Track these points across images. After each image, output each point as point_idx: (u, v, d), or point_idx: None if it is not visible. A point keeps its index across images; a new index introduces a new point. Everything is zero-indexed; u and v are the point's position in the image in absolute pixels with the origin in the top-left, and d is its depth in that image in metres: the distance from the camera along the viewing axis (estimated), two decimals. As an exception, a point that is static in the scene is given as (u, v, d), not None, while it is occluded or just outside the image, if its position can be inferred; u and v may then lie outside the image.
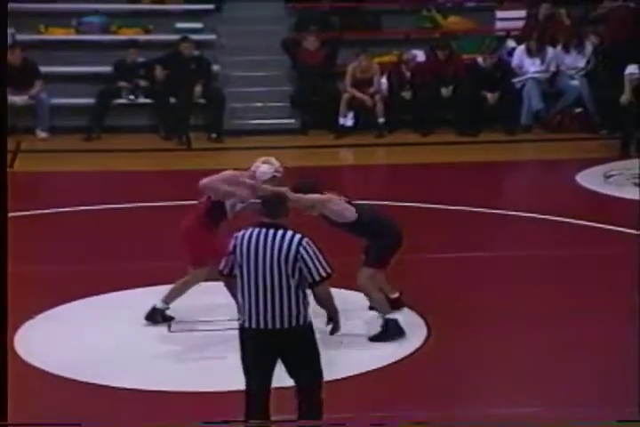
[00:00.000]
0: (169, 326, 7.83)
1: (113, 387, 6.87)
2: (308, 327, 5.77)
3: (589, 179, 11.80)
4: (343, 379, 6.81)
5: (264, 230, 5.75)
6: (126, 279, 8.67)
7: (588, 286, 8.55)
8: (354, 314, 7.70)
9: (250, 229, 5.80)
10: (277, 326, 5.69)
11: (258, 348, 5.77)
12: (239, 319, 5.82)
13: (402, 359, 7.29)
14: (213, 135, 13.93)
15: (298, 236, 5.74)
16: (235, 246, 5.78)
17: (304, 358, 5.78)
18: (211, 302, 7.93)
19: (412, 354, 7.38)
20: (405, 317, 7.95)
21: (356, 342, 7.48)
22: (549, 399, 6.69)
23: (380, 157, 13.87)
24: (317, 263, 5.69)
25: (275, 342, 5.73)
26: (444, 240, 9.84)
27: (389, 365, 7.19)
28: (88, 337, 7.68)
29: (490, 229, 10.41)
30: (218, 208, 7.66)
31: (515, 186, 12.59)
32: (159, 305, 7.79)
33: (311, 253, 5.69)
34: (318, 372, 5.83)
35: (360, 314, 7.84)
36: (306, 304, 5.76)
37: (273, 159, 7.76)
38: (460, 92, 14.09)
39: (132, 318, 7.92)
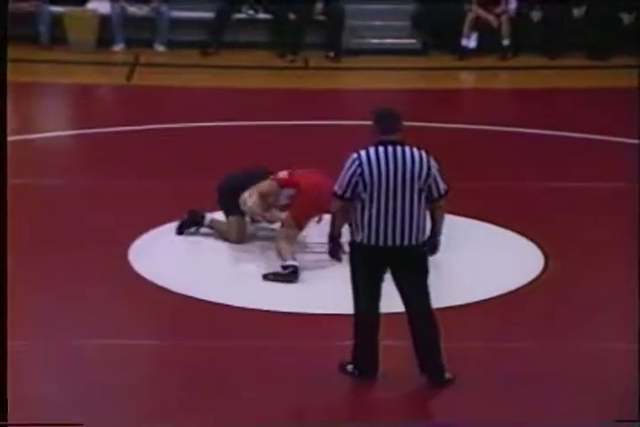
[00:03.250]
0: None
1: (218, 303, 6.82)
2: (424, 243, 5.77)
3: None
4: (455, 307, 6.66)
5: (390, 148, 5.64)
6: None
7: None
8: (462, 243, 7.50)
9: (372, 149, 5.66)
10: (406, 242, 5.66)
11: (378, 265, 5.71)
12: (355, 239, 5.70)
13: (519, 289, 7.08)
14: (331, 54, 13.68)
15: (423, 151, 5.71)
16: (361, 166, 5.62)
17: (420, 277, 5.75)
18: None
19: (529, 283, 7.17)
20: (522, 245, 7.72)
21: (469, 271, 7.30)
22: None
23: (503, 81, 13.48)
24: (441, 178, 5.71)
25: (397, 257, 5.68)
26: (566, 168, 9.53)
27: (505, 294, 6.98)
28: (200, 253, 7.65)
29: (617, 158, 10.00)
30: None
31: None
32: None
33: (437, 167, 5.71)
34: (429, 292, 5.78)
35: (469, 244, 7.64)
36: (426, 221, 5.75)
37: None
38: (593, 12, 13.51)
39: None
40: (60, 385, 5.81)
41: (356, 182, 5.61)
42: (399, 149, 5.62)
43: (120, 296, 6.98)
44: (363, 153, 5.63)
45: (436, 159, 5.71)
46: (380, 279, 5.75)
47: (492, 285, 7.06)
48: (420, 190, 5.63)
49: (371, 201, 5.62)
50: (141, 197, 8.58)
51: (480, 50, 13.64)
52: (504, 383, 5.84)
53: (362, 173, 5.59)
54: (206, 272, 7.35)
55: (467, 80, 13.68)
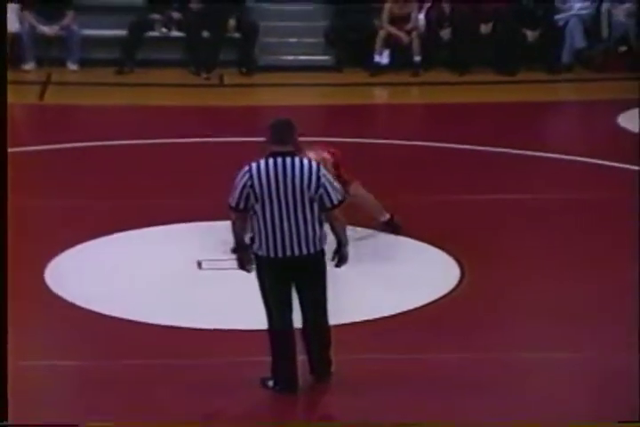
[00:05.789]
0: (199, 264, 7.74)
1: (141, 322, 6.80)
2: (323, 253, 5.86)
3: (631, 120, 11.50)
4: (370, 321, 6.74)
5: (280, 160, 5.75)
6: (157, 215, 8.58)
7: (625, 233, 8.34)
8: (375, 256, 7.58)
9: (263, 161, 5.76)
10: (304, 252, 5.75)
11: (281, 277, 5.79)
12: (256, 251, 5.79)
13: (434, 301, 7.17)
14: (243, 69, 13.72)
15: (314, 162, 5.84)
16: (251, 178, 5.72)
17: (320, 284, 5.82)
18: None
19: (444, 296, 7.26)
20: (439, 258, 7.82)
21: (386, 283, 7.37)
22: (583, 345, 6.56)
23: (415, 96, 13.64)
24: (334, 188, 5.82)
25: (297, 268, 5.77)
26: (478, 182, 9.68)
27: (421, 307, 7.07)
28: (119, 272, 7.60)
29: (527, 171, 10.20)
30: None
31: (554, 127, 12.32)
32: None
33: (329, 178, 5.83)
34: (325, 303, 5.87)
35: (382, 257, 7.72)
36: (323, 229, 5.85)
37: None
38: (499, 29, 13.77)
39: (163, 254, 7.84)
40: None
41: (248, 194, 5.72)
42: (288, 160, 5.72)
43: (36, 316, 6.91)
44: (254, 165, 5.76)
45: (328, 170, 5.85)
46: (287, 292, 5.81)
47: (406, 298, 7.14)
48: (311, 200, 5.73)
49: (263, 212, 5.72)
50: (54, 218, 8.51)
51: (392, 66, 13.83)
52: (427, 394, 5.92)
53: (252, 185, 5.70)
54: (123, 290, 7.31)
55: (380, 96, 13.84)
